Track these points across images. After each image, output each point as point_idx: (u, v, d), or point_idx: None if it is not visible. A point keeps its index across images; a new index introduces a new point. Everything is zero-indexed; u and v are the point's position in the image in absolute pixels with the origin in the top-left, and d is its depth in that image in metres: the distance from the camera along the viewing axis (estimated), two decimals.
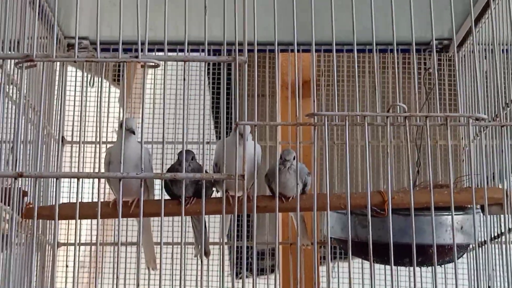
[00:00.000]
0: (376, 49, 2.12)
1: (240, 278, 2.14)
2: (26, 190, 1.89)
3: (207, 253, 2.01)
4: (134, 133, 1.82)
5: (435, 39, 2.20)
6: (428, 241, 1.71)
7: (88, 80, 2.32)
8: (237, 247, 2.35)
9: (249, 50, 1.45)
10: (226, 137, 1.70)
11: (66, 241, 2.38)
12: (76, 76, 2.36)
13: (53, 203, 2.06)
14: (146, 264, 2.06)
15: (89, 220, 2.25)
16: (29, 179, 1.89)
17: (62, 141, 2.29)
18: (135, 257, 2.29)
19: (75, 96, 2.32)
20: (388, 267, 2.03)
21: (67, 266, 2.41)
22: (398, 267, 2.01)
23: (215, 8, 1.47)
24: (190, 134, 2.39)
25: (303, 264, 2.16)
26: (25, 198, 1.87)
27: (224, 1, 1.46)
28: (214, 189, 1.93)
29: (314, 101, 1.39)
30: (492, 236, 1.84)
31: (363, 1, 1.53)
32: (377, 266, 2.04)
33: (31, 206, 1.87)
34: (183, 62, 1.45)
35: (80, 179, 1.48)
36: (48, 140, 2.15)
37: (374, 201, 1.74)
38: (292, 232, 2.30)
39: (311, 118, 1.39)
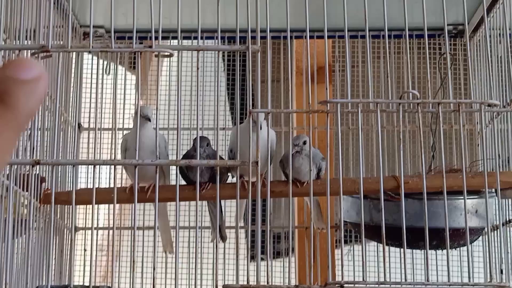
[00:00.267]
0: (390, 35, 2.13)
1: (255, 261, 2.16)
2: (44, 176, 1.92)
3: (223, 238, 2.03)
4: (149, 120, 1.83)
5: (450, 24, 2.20)
6: (443, 224, 1.72)
7: (104, 68, 2.34)
8: (253, 231, 2.37)
9: (263, 37, 1.46)
10: (241, 123, 1.71)
11: (84, 226, 2.41)
12: (92, 63, 2.38)
13: (71, 189, 2.11)
14: (163, 248, 2.09)
15: (107, 205, 2.28)
16: (47, 165, 1.92)
17: (79, 128, 2.31)
18: (152, 241, 2.34)
19: (91, 83, 2.34)
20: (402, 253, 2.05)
21: (85, 250, 2.43)
22: (414, 251, 2.02)
23: None
24: (205, 121, 2.40)
25: (318, 247, 2.18)
26: (43, 184, 1.90)
27: None
28: (229, 174, 1.95)
29: (327, 89, 1.40)
30: (507, 219, 1.85)
31: None
32: (392, 249, 2.05)
33: (49, 191, 1.90)
34: (197, 53, 1.46)
35: (97, 166, 1.50)
36: (65, 127, 2.17)
37: (389, 185, 1.75)
38: (308, 216, 2.31)
39: (325, 105, 1.40)
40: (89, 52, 1.37)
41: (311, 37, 2.02)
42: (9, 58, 1.64)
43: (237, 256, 1.40)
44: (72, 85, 2.23)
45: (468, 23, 2.05)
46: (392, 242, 1.84)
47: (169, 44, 2.22)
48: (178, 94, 1.44)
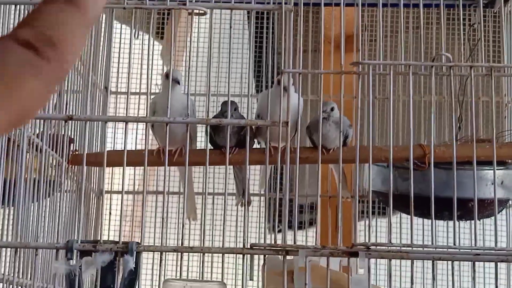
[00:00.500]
0: (421, 4, 2.12)
1: (279, 231, 2.18)
2: (72, 137, 1.94)
3: (248, 203, 2.05)
4: (179, 83, 1.84)
5: None
6: (468, 195, 1.72)
7: (133, 32, 2.35)
8: (275, 199, 2.38)
9: (294, 4, 1.46)
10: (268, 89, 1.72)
11: (109, 189, 2.43)
12: (121, 28, 2.39)
13: (98, 150, 2.13)
14: (187, 215, 2.11)
15: (131, 170, 2.30)
16: (76, 127, 1.94)
17: (106, 91, 2.33)
18: (175, 207, 2.36)
19: (120, 48, 2.35)
20: (426, 221, 2.05)
21: (110, 214, 2.46)
22: (437, 221, 2.02)
23: None
24: (232, 88, 2.40)
25: (342, 217, 2.19)
26: (71, 145, 1.93)
27: None
28: (255, 140, 1.96)
29: (360, 50, 1.40)
30: None
31: None
32: (414, 220, 2.06)
33: (77, 153, 1.93)
34: (230, 12, 1.46)
35: (122, 127, 1.51)
36: (94, 90, 2.19)
37: (415, 154, 1.75)
38: (332, 185, 2.32)
39: (355, 67, 1.40)
40: (124, 8, 1.37)
41: (338, 4, 2.01)
42: None
43: (265, 216, 1.41)
44: (101, 48, 2.24)
45: None
46: (416, 212, 1.84)
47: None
48: (208, 55, 1.45)
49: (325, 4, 2.22)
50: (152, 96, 2.05)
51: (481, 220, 2.05)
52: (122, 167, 1.50)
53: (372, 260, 1.37)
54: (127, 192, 2.40)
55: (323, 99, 2.08)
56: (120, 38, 2.36)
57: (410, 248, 1.33)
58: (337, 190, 1.73)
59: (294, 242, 1.35)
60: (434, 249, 1.33)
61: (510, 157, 1.77)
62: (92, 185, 2.25)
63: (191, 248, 1.38)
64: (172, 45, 1.48)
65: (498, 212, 1.92)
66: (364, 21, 2.34)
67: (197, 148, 2.03)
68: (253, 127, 1.84)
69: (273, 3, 1.50)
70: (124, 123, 1.43)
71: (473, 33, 2.21)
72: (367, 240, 1.38)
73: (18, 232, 1.57)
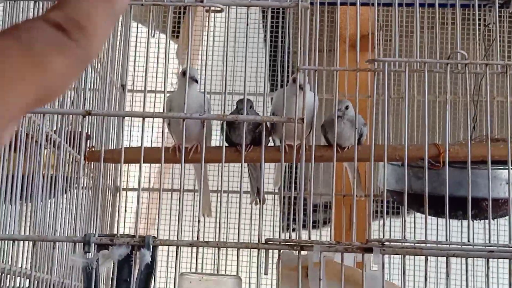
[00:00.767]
0: (434, 4, 2.12)
1: (293, 230, 2.19)
2: (89, 134, 1.96)
3: (263, 201, 2.06)
4: (197, 81, 1.86)
5: None
6: (482, 194, 1.73)
7: (150, 31, 2.37)
8: (289, 198, 2.39)
9: (310, 3, 1.47)
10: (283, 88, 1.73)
11: (125, 186, 2.45)
12: (137, 27, 2.41)
13: (114, 147, 2.15)
14: (201, 211, 2.12)
15: (146, 167, 2.32)
16: (92, 123, 1.96)
17: (123, 89, 2.35)
18: (190, 205, 2.37)
19: (135, 46, 2.38)
20: (440, 220, 2.06)
21: (125, 211, 2.47)
22: (451, 220, 2.02)
23: None
24: (247, 86, 2.42)
25: (356, 216, 2.20)
26: (88, 141, 1.95)
27: None
28: (270, 138, 1.98)
29: (376, 47, 1.41)
30: None
31: None
32: (428, 220, 2.06)
33: (93, 149, 1.95)
34: (247, 9, 1.47)
35: (138, 124, 1.53)
36: (110, 88, 2.21)
37: (430, 153, 1.76)
38: (346, 184, 2.33)
39: (371, 64, 1.41)
40: (142, 4, 1.39)
41: (353, 4, 2.02)
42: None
43: (280, 211, 1.42)
44: (117, 47, 2.26)
45: None
46: (430, 211, 1.85)
47: None
48: (224, 52, 1.46)
49: (341, 4, 2.25)
50: (168, 94, 2.07)
51: (495, 219, 2.05)
52: (137, 164, 1.51)
53: (386, 257, 1.38)
54: (143, 189, 2.41)
55: (338, 98, 2.10)
56: (137, 36, 2.39)
57: (424, 245, 1.33)
58: (352, 188, 1.74)
59: (309, 238, 1.36)
60: (448, 245, 1.34)
61: None
62: (108, 182, 2.27)
63: (206, 242, 1.40)
64: (189, 42, 1.49)
65: None
66: (379, 20, 2.35)
67: (212, 146, 2.04)
68: (268, 125, 1.86)
69: (289, 0, 1.51)
70: (141, 119, 1.45)
71: (488, 33, 2.21)
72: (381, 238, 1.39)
73: (36, 226, 1.59)
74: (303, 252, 1.38)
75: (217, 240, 1.45)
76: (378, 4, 2.20)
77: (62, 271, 1.78)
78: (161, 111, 1.59)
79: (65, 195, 1.78)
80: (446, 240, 1.38)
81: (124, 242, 1.36)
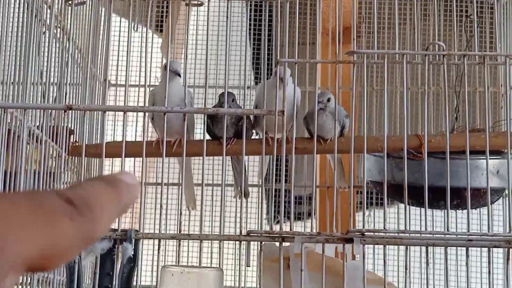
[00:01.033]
0: None
1: (277, 222, 2.20)
2: (72, 129, 1.96)
3: (246, 194, 2.07)
4: (179, 75, 1.86)
5: None
6: (464, 184, 1.74)
7: (132, 25, 2.37)
8: (275, 190, 2.40)
9: None
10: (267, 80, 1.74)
11: None
12: (120, 21, 2.41)
13: (98, 141, 2.15)
14: (186, 204, 2.12)
15: (131, 161, 2.32)
16: (76, 118, 1.96)
17: (106, 83, 2.35)
18: (176, 198, 2.38)
19: (119, 40, 2.37)
20: (423, 210, 2.07)
21: None
22: (434, 210, 2.04)
23: None
24: (230, 80, 2.42)
25: (340, 207, 2.21)
26: (71, 136, 1.94)
27: None
28: (253, 131, 1.98)
29: (354, 39, 1.41)
30: None
31: None
32: (412, 210, 2.08)
33: (77, 144, 1.95)
34: (226, 3, 1.48)
35: (126, 115, 1.53)
36: (93, 82, 2.21)
37: (411, 144, 1.77)
38: (330, 176, 2.34)
39: (351, 56, 1.41)
40: None
41: None
42: (41, 7, 1.67)
43: (260, 204, 1.43)
44: (100, 41, 2.26)
45: None
46: (413, 201, 1.86)
47: None
48: (206, 45, 1.47)
49: None
50: (152, 88, 2.07)
51: (478, 209, 2.06)
52: (129, 157, 1.52)
53: (370, 248, 1.39)
54: None
55: (321, 90, 2.11)
56: (120, 31, 2.39)
57: (404, 234, 1.34)
58: (335, 180, 1.75)
59: (291, 229, 1.37)
60: (428, 235, 1.35)
61: (505, 147, 1.78)
62: (92, 176, 2.27)
63: (189, 235, 1.40)
64: (170, 36, 1.49)
65: (495, 201, 1.93)
66: (362, 12, 2.36)
67: (196, 139, 2.04)
68: (251, 118, 1.86)
69: None
70: (124, 114, 1.45)
71: (470, 24, 2.22)
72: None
73: None
74: (285, 244, 1.39)
75: (200, 233, 1.46)
76: None
77: None
78: (144, 103, 1.59)
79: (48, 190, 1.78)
80: (426, 229, 1.39)
81: (106, 236, 1.36)
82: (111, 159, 2.27)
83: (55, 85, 1.77)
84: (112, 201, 0.37)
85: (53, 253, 0.33)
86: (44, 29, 1.71)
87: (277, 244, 1.37)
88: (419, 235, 1.35)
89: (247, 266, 1.37)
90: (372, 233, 1.34)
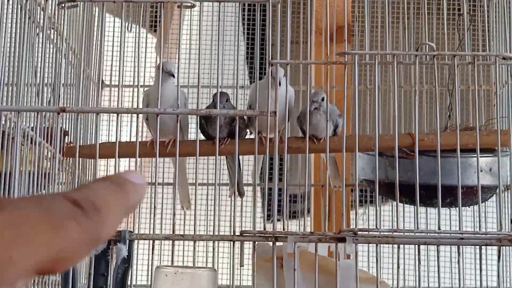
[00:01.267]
0: None
1: (271, 221, 2.21)
2: (67, 130, 1.96)
3: (241, 194, 2.07)
4: (173, 76, 1.86)
5: None
6: (457, 182, 1.75)
7: (126, 26, 2.37)
8: (269, 189, 2.41)
9: None
10: (260, 80, 1.74)
11: None
12: (114, 22, 2.41)
13: (93, 142, 2.15)
14: (180, 204, 2.13)
15: (127, 161, 2.32)
16: (70, 119, 1.97)
17: (100, 84, 2.35)
18: (171, 198, 2.38)
19: (113, 41, 2.38)
20: (421, 208, 2.08)
21: None
22: (428, 208, 2.04)
23: None
24: (224, 80, 2.43)
25: (334, 206, 2.22)
26: (66, 137, 1.95)
27: None
28: (247, 130, 1.99)
29: (345, 40, 1.42)
30: None
31: None
32: (407, 208, 2.08)
33: (71, 145, 1.95)
34: (218, 4, 1.48)
35: (119, 116, 1.54)
36: (88, 83, 2.22)
37: (404, 142, 1.78)
38: (324, 175, 2.35)
39: (342, 57, 1.42)
40: (114, 1, 1.40)
41: None
42: (35, 9, 1.67)
43: (253, 203, 1.44)
44: (94, 42, 2.27)
45: None
46: (407, 200, 1.86)
47: None
48: (199, 47, 1.47)
49: None
50: (146, 89, 2.08)
51: (472, 206, 2.07)
52: (123, 158, 1.53)
53: (365, 246, 1.39)
54: None
55: (315, 90, 2.11)
56: (114, 31, 2.40)
57: (396, 233, 1.35)
58: (327, 179, 1.76)
59: (283, 229, 1.37)
60: (420, 233, 1.36)
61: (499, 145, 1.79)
62: (87, 177, 2.28)
63: (182, 235, 1.41)
64: (162, 37, 1.50)
65: (488, 199, 1.94)
66: (355, 12, 2.36)
67: (191, 139, 2.05)
68: (245, 117, 1.87)
69: None
70: (117, 115, 1.46)
71: (462, 23, 2.23)
72: (362, 227, 1.41)
73: None
74: (278, 243, 1.39)
75: (194, 233, 1.47)
76: None
77: None
78: (137, 105, 1.59)
79: (43, 191, 1.79)
80: (418, 228, 1.40)
81: None
82: (106, 159, 2.28)
83: (49, 86, 1.78)
84: (119, 202, 0.37)
85: (62, 257, 0.33)
86: (37, 30, 1.72)
87: (270, 244, 1.37)
88: (411, 233, 1.35)
89: (240, 266, 1.37)
90: (365, 232, 1.34)
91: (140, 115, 1.60)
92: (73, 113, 1.87)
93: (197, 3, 1.45)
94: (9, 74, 1.59)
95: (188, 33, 2.44)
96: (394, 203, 2.15)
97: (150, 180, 2.39)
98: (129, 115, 2.31)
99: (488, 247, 1.41)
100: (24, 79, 1.63)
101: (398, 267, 1.36)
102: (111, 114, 2.38)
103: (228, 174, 2.10)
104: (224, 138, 1.86)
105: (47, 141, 1.78)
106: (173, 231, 1.42)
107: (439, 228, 1.38)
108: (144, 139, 2.45)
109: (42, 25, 1.71)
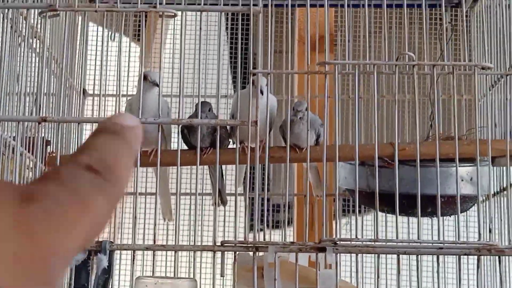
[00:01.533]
0: (392, 4, 2.16)
1: (261, 230, 2.21)
2: (49, 139, 1.95)
3: (224, 203, 2.07)
4: (157, 85, 1.86)
5: None
6: (439, 191, 1.75)
7: (109, 35, 2.37)
8: (253, 198, 2.42)
9: (266, 5, 1.49)
10: (243, 90, 1.75)
11: None
12: (97, 31, 2.41)
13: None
14: (162, 216, 2.13)
15: None
16: (52, 128, 1.96)
17: (83, 93, 2.35)
18: (153, 208, 2.38)
19: (96, 50, 2.37)
20: (403, 218, 2.09)
21: None
22: (410, 218, 2.05)
23: None
24: (208, 89, 2.43)
25: (317, 215, 2.22)
26: (48, 147, 1.94)
27: None
28: (230, 140, 1.99)
29: (325, 50, 1.43)
30: (501, 187, 1.88)
31: None
32: (389, 218, 2.09)
33: (54, 154, 1.94)
34: (200, 14, 1.49)
35: None
36: (71, 92, 2.21)
37: (386, 152, 1.78)
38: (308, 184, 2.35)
39: (323, 66, 1.43)
40: (95, 11, 1.40)
41: (313, 5, 2.05)
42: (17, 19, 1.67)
43: (235, 214, 1.44)
44: (77, 51, 2.26)
45: None
46: (388, 209, 1.87)
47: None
48: (180, 56, 1.48)
49: (299, 5, 2.27)
50: (129, 98, 2.08)
51: (454, 216, 2.08)
52: None
53: (348, 256, 1.40)
54: None
55: (297, 99, 2.12)
56: (97, 40, 2.39)
57: (376, 243, 1.36)
58: (308, 188, 1.76)
59: (264, 239, 1.38)
60: (398, 243, 1.36)
61: (480, 154, 1.80)
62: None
63: (163, 246, 1.41)
64: (145, 47, 1.50)
65: (469, 208, 1.95)
66: (338, 21, 2.37)
67: (174, 149, 2.05)
68: (227, 127, 1.87)
69: (244, 5, 1.52)
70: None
71: (446, 33, 2.24)
72: (345, 236, 1.42)
73: None
74: (259, 253, 1.40)
75: (175, 243, 1.46)
76: (335, 5, 2.23)
77: None
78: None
79: None
80: (398, 237, 1.40)
81: None
82: None
83: (31, 95, 1.78)
84: (126, 152, 0.36)
85: (94, 232, 0.33)
86: (19, 40, 1.71)
87: (251, 254, 1.37)
88: (390, 243, 1.36)
89: (221, 276, 1.37)
90: (345, 242, 1.35)
91: None
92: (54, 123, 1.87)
93: (179, 13, 1.45)
94: None
95: (172, 42, 2.44)
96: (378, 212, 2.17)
97: (132, 190, 2.39)
98: None
99: (469, 256, 1.42)
100: (6, 89, 1.62)
101: (378, 277, 1.36)
102: (94, 123, 2.38)
103: (211, 183, 2.10)
104: (207, 148, 1.86)
105: (28, 151, 1.78)
106: (154, 242, 1.42)
107: (419, 238, 1.38)
108: None
109: (24, 34, 1.71)
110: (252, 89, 1.62)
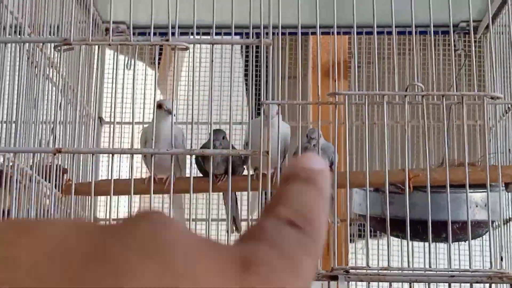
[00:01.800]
0: (405, 31, 2.17)
1: None
2: (66, 168, 1.98)
3: (238, 229, 2.08)
4: (171, 113, 1.89)
5: (464, 21, 2.24)
6: (453, 217, 1.75)
7: (126, 63, 2.40)
8: None
9: (279, 34, 1.52)
10: (257, 117, 1.77)
11: (105, 217, 2.47)
12: (114, 59, 2.45)
13: (91, 180, 2.17)
14: None
15: (126, 197, 2.34)
16: (69, 157, 1.99)
17: (100, 121, 2.38)
18: None
19: (113, 78, 2.41)
20: (416, 243, 2.08)
21: None
22: (424, 243, 2.05)
23: None
24: (224, 116, 2.45)
25: (333, 241, 2.22)
26: (65, 175, 1.97)
27: None
28: (244, 167, 2.00)
29: (335, 81, 1.44)
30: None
31: None
32: (404, 242, 2.09)
33: (70, 182, 1.97)
34: (215, 45, 1.51)
35: (116, 156, 1.56)
36: (87, 120, 2.24)
37: (399, 178, 1.79)
38: None
39: (333, 97, 1.44)
40: (109, 44, 1.43)
41: (327, 33, 2.07)
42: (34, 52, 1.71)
43: None
44: (94, 79, 2.30)
45: (482, 20, 2.08)
46: (403, 235, 1.87)
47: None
48: (192, 86, 1.50)
49: (313, 33, 2.30)
50: (145, 125, 2.11)
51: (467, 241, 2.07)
52: (120, 195, 1.54)
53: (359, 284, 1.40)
54: (118, 219, 2.44)
55: (312, 125, 2.13)
56: (113, 68, 2.43)
57: (388, 271, 1.36)
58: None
59: None
60: (411, 271, 1.37)
61: (492, 180, 1.80)
62: (87, 213, 2.29)
63: None
64: (156, 77, 1.53)
65: (484, 234, 1.95)
66: (351, 48, 2.39)
67: (188, 175, 2.07)
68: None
69: (257, 34, 1.55)
70: (111, 156, 1.48)
71: (458, 59, 2.25)
72: (359, 263, 1.43)
73: None
74: None
75: None
76: (349, 33, 2.25)
77: None
78: (137, 142, 1.62)
79: None
80: (408, 265, 1.41)
81: None
82: (106, 196, 2.30)
83: (48, 124, 1.81)
84: (320, 200, 0.33)
85: None
86: (36, 71, 1.75)
87: None
88: (400, 271, 1.36)
89: None
90: (356, 271, 1.36)
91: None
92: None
93: (191, 46, 1.48)
94: (8, 113, 1.62)
95: (188, 70, 2.47)
96: (391, 238, 2.17)
97: None
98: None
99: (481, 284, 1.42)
100: (23, 118, 1.65)
101: None
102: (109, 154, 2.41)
103: (226, 210, 2.11)
104: (222, 175, 1.87)
105: (45, 179, 1.81)
106: None
107: (429, 266, 1.39)
108: (144, 175, 2.49)
109: (40, 65, 1.75)
110: (263, 118, 1.64)
